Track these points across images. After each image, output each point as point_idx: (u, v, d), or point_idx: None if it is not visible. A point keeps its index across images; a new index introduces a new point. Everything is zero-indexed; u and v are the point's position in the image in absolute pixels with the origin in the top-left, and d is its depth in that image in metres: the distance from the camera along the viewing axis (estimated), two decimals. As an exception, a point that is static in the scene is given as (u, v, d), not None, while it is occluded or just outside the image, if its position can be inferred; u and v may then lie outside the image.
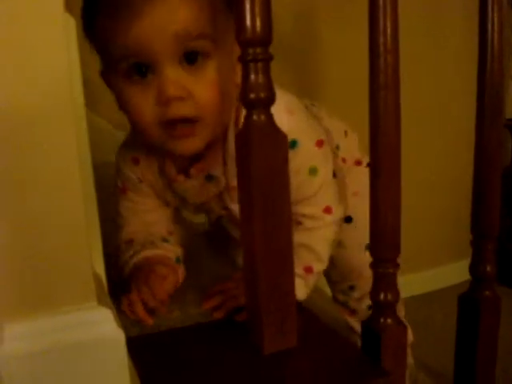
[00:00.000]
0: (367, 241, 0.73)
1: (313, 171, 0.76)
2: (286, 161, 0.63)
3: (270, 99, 0.61)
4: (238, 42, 0.60)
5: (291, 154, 0.64)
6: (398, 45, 0.66)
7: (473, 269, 0.87)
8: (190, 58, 0.66)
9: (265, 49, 0.60)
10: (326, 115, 0.93)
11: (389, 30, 0.65)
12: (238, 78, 0.67)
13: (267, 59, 0.60)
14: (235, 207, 0.73)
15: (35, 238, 0.53)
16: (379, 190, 0.71)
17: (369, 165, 0.70)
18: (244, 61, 0.60)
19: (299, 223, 0.78)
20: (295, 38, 1.55)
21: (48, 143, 0.51)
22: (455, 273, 1.64)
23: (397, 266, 0.74)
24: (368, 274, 0.75)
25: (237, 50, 0.61)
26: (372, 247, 0.73)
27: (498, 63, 0.81)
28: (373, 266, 0.74)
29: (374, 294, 0.75)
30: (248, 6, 0.58)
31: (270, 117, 0.61)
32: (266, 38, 0.60)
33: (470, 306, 0.87)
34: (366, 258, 0.75)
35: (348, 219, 0.89)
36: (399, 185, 0.71)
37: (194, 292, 0.84)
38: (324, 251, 0.80)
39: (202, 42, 0.66)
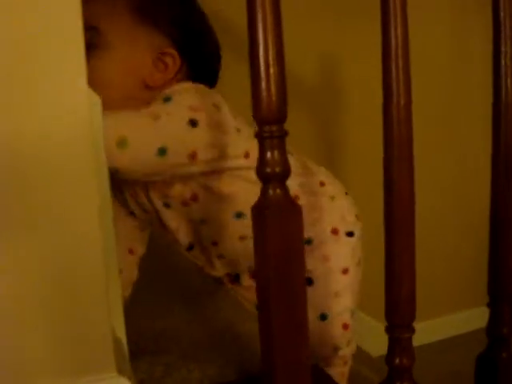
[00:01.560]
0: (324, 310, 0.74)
1: None
2: (301, 232, 0.64)
3: (285, 173, 0.63)
4: (254, 119, 0.62)
5: None
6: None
7: (489, 330, 0.87)
8: None
9: (280, 126, 0.62)
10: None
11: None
12: (153, 81, 0.84)
13: (282, 136, 0.62)
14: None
15: (57, 305, 0.55)
16: (394, 256, 0.72)
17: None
18: (260, 137, 0.62)
19: None
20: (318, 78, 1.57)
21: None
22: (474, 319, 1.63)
23: (412, 330, 0.75)
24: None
25: (148, 56, 0.81)
26: (387, 313, 0.74)
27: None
28: (388, 330, 0.75)
29: (389, 358, 0.75)
30: (264, 85, 0.60)
31: (285, 190, 0.63)
32: (281, 116, 0.62)
33: (487, 366, 0.87)
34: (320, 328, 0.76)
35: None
36: (413, 251, 0.72)
37: (210, 347, 0.85)
38: None
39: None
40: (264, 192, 0.63)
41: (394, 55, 0.67)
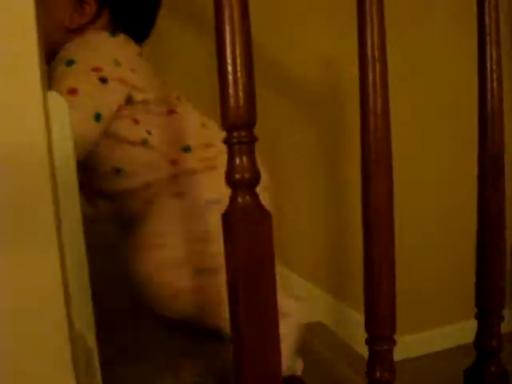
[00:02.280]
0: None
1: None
2: (271, 240, 0.62)
3: (255, 180, 0.61)
4: (222, 125, 0.61)
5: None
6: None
7: (478, 343, 0.84)
8: None
9: (249, 132, 0.60)
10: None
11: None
12: (71, 24, 0.86)
13: (252, 142, 0.61)
14: None
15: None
16: (372, 265, 0.70)
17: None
18: (229, 143, 0.60)
19: None
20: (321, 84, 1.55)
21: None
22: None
23: (393, 342, 0.73)
24: None
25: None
26: (367, 324, 0.72)
27: (498, 124, 0.80)
28: (368, 342, 0.73)
29: (369, 371, 0.73)
30: (231, 91, 0.59)
31: (254, 197, 0.62)
32: (250, 121, 0.60)
33: (475, 380, 0.84)
34: None
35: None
36: (393, 261, 0.70)
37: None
38: None
39: None
40: (233, 199, 0.62)
41: (371, 57, 0.66)
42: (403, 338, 1.56)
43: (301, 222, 1.56)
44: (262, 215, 0.62)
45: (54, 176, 0.57)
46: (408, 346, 1.53)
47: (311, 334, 1.16)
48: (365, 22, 0.66)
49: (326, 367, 1.09)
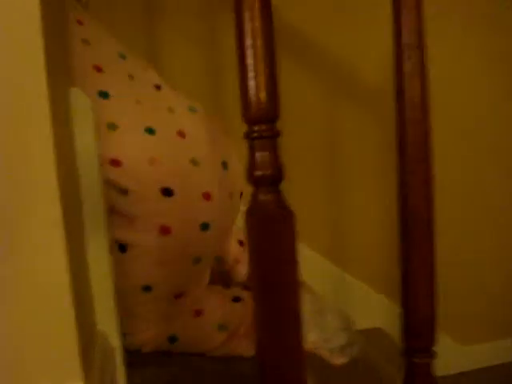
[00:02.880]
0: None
1: None
2: (293, 238, 0.59)
3: (277, 176, 0.58)
4: (243, 118, 0.58)
5: None
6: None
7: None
8: None
9: (271, 126, 0.58)
10: None
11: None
12: None
13: (274, 136, 0.58)
14: None
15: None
16: (410, 273, 0.65)
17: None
18: (249, 138, 0.58)
19: None
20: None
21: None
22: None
23: (431, 355, 0.67)
24: None
25: None
26: (406, 336, 0.67)
27: None
28: (406, 354, 0.68)
29: (407, 384, 0.68)
30: (253, 83, 0.56)
31: (277, 195, 0.59)
32: (272, 115, 0.57)
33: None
34: None
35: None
36: (432, 267, 0.65)
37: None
38: None
39: None
40: (254, 197, 0.59)
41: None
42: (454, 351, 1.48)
43: (363, 224, 1.51)
44: (284, 214, 0.59)
45: (74, 171, 0.56)
46: (460, 358, 1.45)
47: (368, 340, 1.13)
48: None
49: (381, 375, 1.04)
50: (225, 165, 0.83)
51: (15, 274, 0.49)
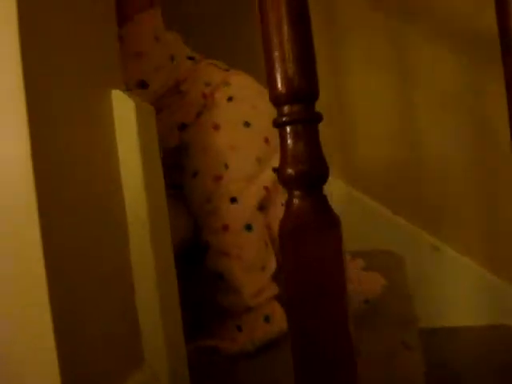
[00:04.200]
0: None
1: None
2: (340, 252, 0.42)
3: (316, 174, 0.43)
4: (270, 98, 0.45)
5: None
6: None
7: None
8: None
9: (306, 106, 0.43)
10: None
11: None
12: None
13: (311, 121, 0.43)
14: None
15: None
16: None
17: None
18: (277, 123, 0.44)
19: None
20: None
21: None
22: None
23: None
24: None
25: None
26: None
27: None
28: None
29: None
30: (277, 54, 0.43)
31: (317, 198, 0.43)
32: (306, 91, 0.43)
33: None
34: None
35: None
36: None
37: None
38: None
39: None
40: (288, 201, 0.44)
41: None
42: None
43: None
44: (328, 221, 0.43)
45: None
46: None
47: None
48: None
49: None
50: None
51: None
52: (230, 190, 0.76)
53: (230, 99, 0.81)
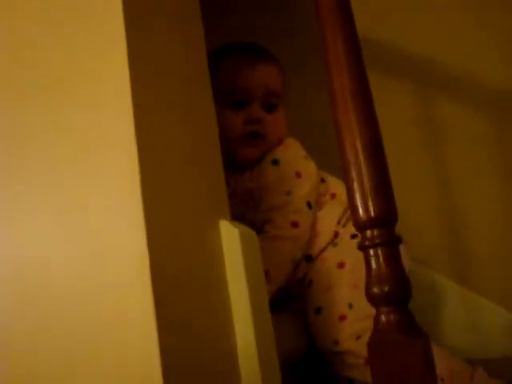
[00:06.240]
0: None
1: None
2: (429, 369, 0.44)
3: (398, 293, 0.46)
4: (353, 224, 0.50)
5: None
6: None
7: None
8: (267, 106, 0.92)
9: (385, 230, 0.48)
10: None
11: None
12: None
13: (391, 243, 0.47)
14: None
15: None
16: None
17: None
18: (361, 247, 0.48)
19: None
20: None
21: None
22: None
23: None
24: None
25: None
26: None
27: None
28: None
29: None
30: (356, 185, 0.49)
31: (402, 315, 0.46)
32: (384, 217, 0.48)
33: None
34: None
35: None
36: None
37: None
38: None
39: (274, 99, 0.92)
40: (376, 318, 0.47)
41: None
42: None
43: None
44: (410, 336, 0.45)
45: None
46: None
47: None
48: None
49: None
50: None
51: None
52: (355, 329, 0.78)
53: (353, 236, 0.84)
